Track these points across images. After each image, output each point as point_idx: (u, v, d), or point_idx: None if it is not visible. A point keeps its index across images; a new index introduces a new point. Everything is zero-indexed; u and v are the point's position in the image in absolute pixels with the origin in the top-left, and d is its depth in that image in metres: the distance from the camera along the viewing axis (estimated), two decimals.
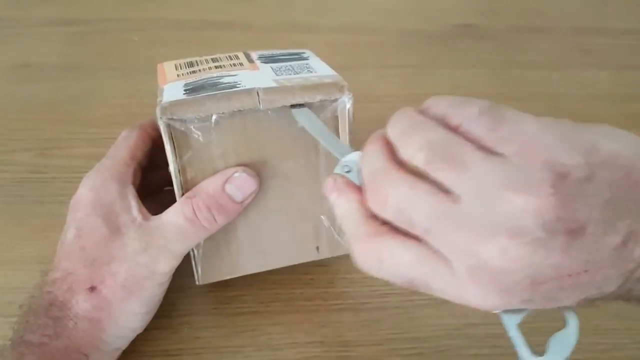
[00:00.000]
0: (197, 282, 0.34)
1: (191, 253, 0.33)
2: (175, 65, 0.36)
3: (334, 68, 0.34)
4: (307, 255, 0.35)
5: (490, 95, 0.53)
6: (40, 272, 0.31)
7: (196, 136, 0.29)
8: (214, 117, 0.29)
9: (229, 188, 0.30)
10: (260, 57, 0.36)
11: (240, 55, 0.37)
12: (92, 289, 0.29)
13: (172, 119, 0.29)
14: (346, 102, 0.31)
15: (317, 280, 0.37)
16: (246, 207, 0.32)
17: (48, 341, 0.28)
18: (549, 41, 0.61)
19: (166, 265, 0.30)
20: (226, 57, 0.36)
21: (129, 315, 0.30)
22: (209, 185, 0.30)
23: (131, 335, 0.31)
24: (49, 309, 0.29)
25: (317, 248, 0.35)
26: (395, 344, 0.35)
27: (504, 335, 0.35)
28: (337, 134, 0.31)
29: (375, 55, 0.41)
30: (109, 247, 0.30)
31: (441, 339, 0.35)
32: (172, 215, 0.30)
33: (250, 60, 0.35)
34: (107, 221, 0.30)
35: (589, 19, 0.64)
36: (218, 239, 0.33)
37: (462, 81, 0.55)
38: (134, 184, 0.32)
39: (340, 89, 0.30)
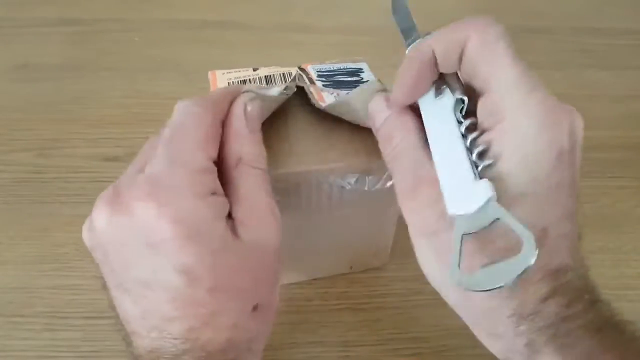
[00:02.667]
0: None
1: None
2: (228, 84, 0.33)
3: None
4: (340, 270, 0.38)
5: None
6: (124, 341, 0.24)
7: None
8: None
9: None
10: (319, 76, 0.34)
11: (295, 74, 0.34)
12: (254, 307, 0.24)
13: None
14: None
15: (318, 280, 0.37)
16: (295, 235, 0.31)
17: None
18: (549, 41, 0.61)
19: None
20: (280, 76, 0.34)
21: None
22: None
23: None
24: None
25: (351, 267, 0.38)
26: (395, 344, 0.35)
27: None
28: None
29: (375, 55, 0.41)
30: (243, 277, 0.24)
31: (441, 339, 0.35)
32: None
33: (312, 82, 0.33)
34: (219, 252, 0.23)
35: (589, 19, 0.64)
36: None
37: None
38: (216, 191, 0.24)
39: (367, 170, 0.29)
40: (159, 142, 0.23)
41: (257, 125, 0.26)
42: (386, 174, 0.29)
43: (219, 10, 0.62)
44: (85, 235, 0.24)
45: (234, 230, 0.23)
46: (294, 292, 0.37)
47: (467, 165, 0.22)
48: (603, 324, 0.22)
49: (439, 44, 0.24)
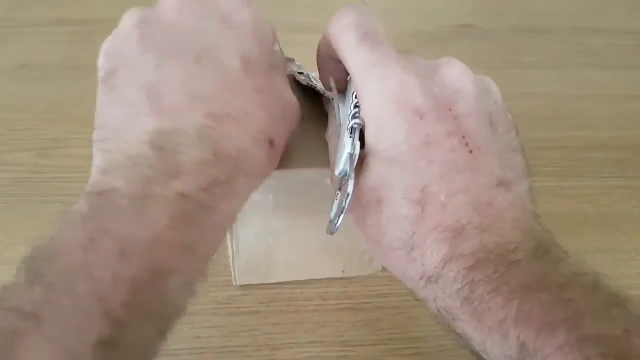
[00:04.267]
0: (234, 282, 0.36)
1: (231, 255, 0.34)
2: None
3: None
4: (333, 273, 0.37)
5: None
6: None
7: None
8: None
9: None
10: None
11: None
12: (271, 143, 0.24)
13: None
14: None
15: (317, 280, 0.37)
16: (289, 232, 0.33)
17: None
18: (549, 41, 0.61)
19: None
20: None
21: None
22: None
23: None
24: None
25: (343, 271, 0.37)
26: (395, 344, 0.35)
27: None
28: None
29: None
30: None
31: (441, 339, 0.35)
32: None
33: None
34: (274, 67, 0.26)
35: (589, 19, 0.64)
36: (258, 251, 0.34)
37: None
38: None
39: None
40: None
41: None
42: None
43: None
44: (137, 13, 0.27)
45: None
46: (294, 292, 0.37)
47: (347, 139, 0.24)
48: (527, 289, 0.19)
49: (324, 42, 0.27)
